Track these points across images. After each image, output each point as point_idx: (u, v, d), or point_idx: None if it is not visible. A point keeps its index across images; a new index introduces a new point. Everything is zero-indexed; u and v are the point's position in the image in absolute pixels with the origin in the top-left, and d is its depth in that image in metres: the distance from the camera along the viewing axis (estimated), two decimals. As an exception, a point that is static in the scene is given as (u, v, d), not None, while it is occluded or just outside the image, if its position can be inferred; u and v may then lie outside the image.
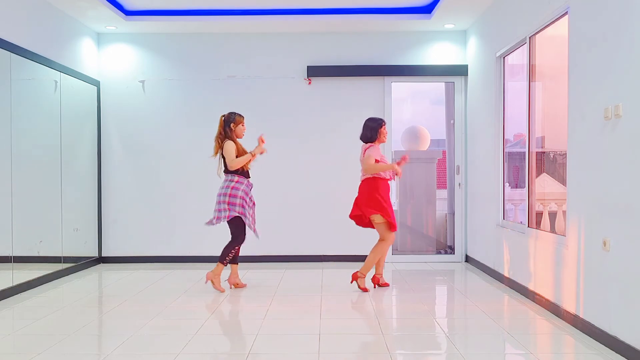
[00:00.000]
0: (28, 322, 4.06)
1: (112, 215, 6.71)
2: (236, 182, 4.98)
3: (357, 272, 5.09)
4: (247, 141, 5.27)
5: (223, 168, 5.06)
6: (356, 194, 5.10)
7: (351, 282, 5.13)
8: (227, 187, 4.96)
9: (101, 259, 6.69)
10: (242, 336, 3.86)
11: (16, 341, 3.65)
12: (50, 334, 3.75)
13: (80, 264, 6.20)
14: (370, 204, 4.99)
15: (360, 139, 5.21)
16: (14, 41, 4.98)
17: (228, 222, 4.98)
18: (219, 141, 5.01)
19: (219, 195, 4.98)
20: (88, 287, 5.50)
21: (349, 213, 5.19)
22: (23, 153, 5.16)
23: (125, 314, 4.33)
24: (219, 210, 4.95)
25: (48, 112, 5.63)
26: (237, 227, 5.03)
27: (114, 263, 6.66)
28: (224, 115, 5.07)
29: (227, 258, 5.00)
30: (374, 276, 5.23)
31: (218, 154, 5.04)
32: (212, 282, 5.04)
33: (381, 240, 5.10)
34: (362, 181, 5.11)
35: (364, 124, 5.19)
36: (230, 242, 5.05)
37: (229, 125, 5.01)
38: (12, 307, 4.56)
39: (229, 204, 4.92)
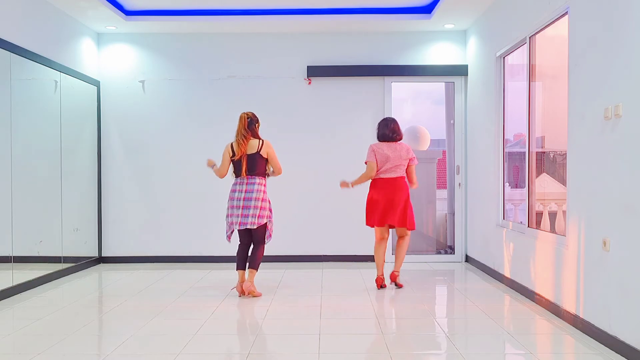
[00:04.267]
0: (28, 322, 4.06)
1: (112, 215, 6.72)
2: (265, 186, 4.89)
3: (394, 271, 5.20)
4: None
5: (250, 169, 4.77)
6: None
7: (391, 282, 5.25)
8: (260, 190, 4.79)
9: (101, 259, 6.69)
10: (242, 336, 3.86)
11: (16, 341, 3.65)
12: (50, 334, 3.75)
13: (80, 264, 6.20)
14: (412, 212, 5.16)
15: (396, 139, 5.18)
16: (14, 41, 4.98)
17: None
18: (248, 139, 4.76)
19: (253, 199, 4.74)
20: (88, 287, 5.50)
21: (390, 218, 5.11)
22: (23, 153, 5.16)
23: (125, 314, 4.33)
24: (255, 216, 4.74)
25: (48, 112, 5.63)
26: (266, 232, 4.86)
27: (114, 263, 6.66)
28: (249, 115, 4.83)
29: (258, 264, 4.82)
30: (391, 273, 5.26)
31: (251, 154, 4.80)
32: (250, 291, 4.76)
33: (406, 236, 5.22)
34: (397, 179, 5.10)
35: (393, 124, 5.19)
36: (261, 246, 4.85)
37: (255, 124, 4.83)
38: (12, 307, 4.56)
39: (261, 209, 4.78)
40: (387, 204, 5.04)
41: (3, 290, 4.78)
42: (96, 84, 6.62)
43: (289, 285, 5.33)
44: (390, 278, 5.19)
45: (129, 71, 6.73)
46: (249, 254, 4.88)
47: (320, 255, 6.72)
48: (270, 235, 4.89)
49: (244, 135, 4.76)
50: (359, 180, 5.20)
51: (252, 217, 4.71)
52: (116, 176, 6.73)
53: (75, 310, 4.47)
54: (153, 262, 6.66)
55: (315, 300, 4.73)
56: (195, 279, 5.68)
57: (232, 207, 4.76)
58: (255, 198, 4.72)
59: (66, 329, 3.88)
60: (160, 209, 6.73)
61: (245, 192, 4.73)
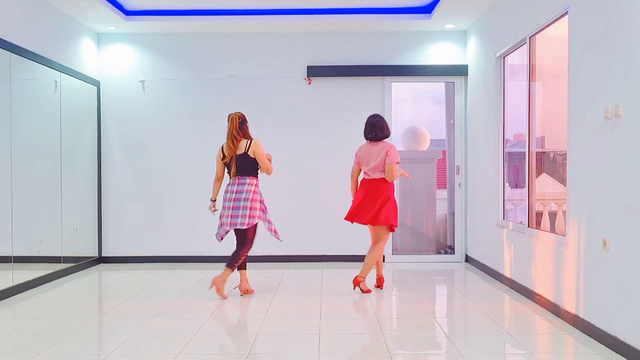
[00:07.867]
0: (28, 322, 4.06)
1: (112, 215, 6.72)
2: (256, 185, 4.86)
3: (357, 276, 4.97)
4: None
5: (240, 169, 4.80)
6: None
7: (353, 288, 5.01)
8: (249, 191, 4.75)
9: (101, 259, 6.69)
10: (242, 336, 3.86)
11: (16, 341, 3.65)
12: (50, 334, 3.75)
13: (80, 264, 6.20)
14: (390, 210, 4.90)
15: (377, 138, 5.00)
16: (14, 41, 4.98)
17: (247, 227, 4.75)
18: (239, 140, 4.79)
19: (242, 199, 4.72)
20: (88, 287, 5.50)
21: (360, 216, 4.94)
22: (23, 153, 5.16)
23: (125, 314, 4.34)
24: (245, 216, 4.70)
25: (48, 112, 5.63)
26: (254, 233, 4.87)
27: (114, 263, 6.66)
28: (239, 116, 4.84)
29: (236, 264, 4.77)
30: (378, 278, 5.16)
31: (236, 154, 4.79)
32: (218, 288, 4.74)
33: (380, 241, 5.04)
34: (375, 180, 4.94)
35: (376, 122, 5.02)
36: (245, 247, 4.81)
37: (245, 124, 4.86)
38: (12, 307, 4.56)
39: (251, 209, 4.72)
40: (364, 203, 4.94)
41: (3, 290, 4.78)
42: (96, 84, 6.62)
43: (289, 285, 5.33)
44: (353, 282, 4.96)
45: (129, 71, 6.73)
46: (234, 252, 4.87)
47: (320, 255, 6.72)
48: (275, 231, 4.92)
49: (235, 137, 4.80)
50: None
51: (242, 217, 4.72)
52: (116, 176, 6.73)
53: (75, 310, 4.47)
54: (153, 262, 6.66)
55: (315, 300, 4.73)
56: (195, 279, 5.68)
57: (224, 208, 4.82)
58: (245, 199, 4.74)
59: (66, 329, 3.89)
60: (160, 209, 6.73)
61: (236, 192, 4.77)
